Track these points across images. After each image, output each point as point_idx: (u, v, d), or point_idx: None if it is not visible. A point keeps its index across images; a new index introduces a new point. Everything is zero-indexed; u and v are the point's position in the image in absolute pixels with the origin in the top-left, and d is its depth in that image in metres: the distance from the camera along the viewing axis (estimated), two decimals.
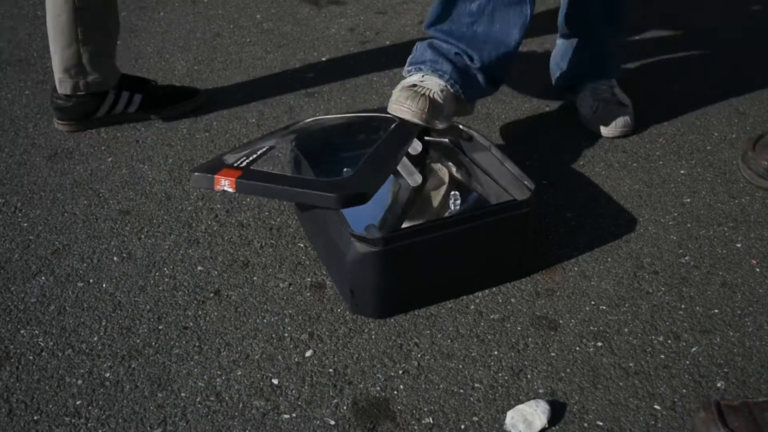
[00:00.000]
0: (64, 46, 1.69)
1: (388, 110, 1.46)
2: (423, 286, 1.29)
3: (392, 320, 1.27)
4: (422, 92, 1.44)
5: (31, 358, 1.20)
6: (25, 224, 1.49)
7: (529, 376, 1.17)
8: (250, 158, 1.27)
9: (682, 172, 1.66)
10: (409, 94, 1.43)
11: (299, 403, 1.13)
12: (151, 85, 1.83)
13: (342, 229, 1.24)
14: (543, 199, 1.55)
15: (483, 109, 1.88)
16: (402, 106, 1.43)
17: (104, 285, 1.35)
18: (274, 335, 1.25)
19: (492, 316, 1.28)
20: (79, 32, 1.68)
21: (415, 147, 1.46)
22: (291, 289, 1.34)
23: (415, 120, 1.42)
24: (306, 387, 1.16)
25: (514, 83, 1.97)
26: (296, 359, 1.20)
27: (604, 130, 1.76)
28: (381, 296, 1.26)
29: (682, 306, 1.31)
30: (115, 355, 1.21)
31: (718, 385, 1.16)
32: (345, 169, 1.36)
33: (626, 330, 1.26)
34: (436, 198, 1.42)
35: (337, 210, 1.23)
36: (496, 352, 1.22)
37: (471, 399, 1.14)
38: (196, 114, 1.85)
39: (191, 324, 1.27)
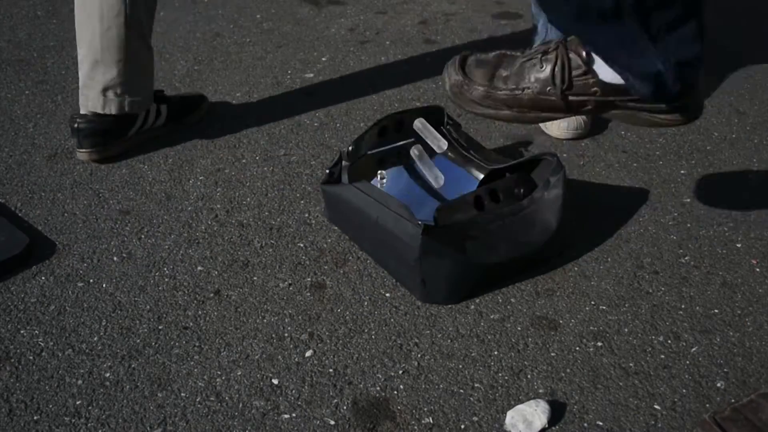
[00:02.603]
0: (112, 62, 1.59)
1: None
2: (492, 264, 1.31)
3: (392, 320, 1.27)
4: None
5: (31, 358, 1.20)
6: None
7: (529, 376, 1.17)
8: None
9: (682, 172, 1.66)
10: None
11: (299, 403, 1.13)
12: (167, 94, 1.76)
13: (403, 221, 1.26)
14: None
15: None
16: None
17: (104, 285, 1.35)
18: (274, 335, 1.25)
19: (492, 316, 1.28)
20: (128, 48, 1.59)
21: (440, 145, 1.47)
22: (291, 289, 1.34)
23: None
24: (306, 387, 1.16)
25: None
26: (296, 359, 1.20)
27: (555, 131, 1.74)
28: (453, 281, 1.29)
29: (682, 306, 1.31)
30: (115, 355, 1.21)
31: (718, 385, 1.16)
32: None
33: (626, 330, 1.26)
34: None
35: (397, 204, 1.29)
36: (496, 352, 1.22)
37: (471, 399, 1.14)
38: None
39: (191, 324, 1.27)
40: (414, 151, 1.46)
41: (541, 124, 1.78)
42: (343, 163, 1.42)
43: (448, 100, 1.92)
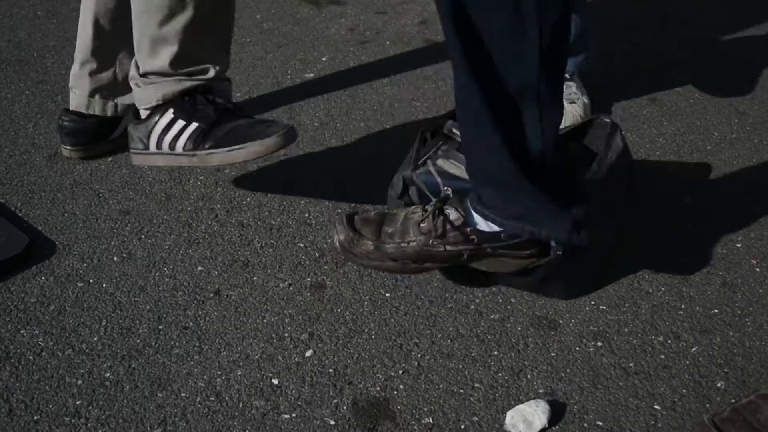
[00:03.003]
0: (101, 68, 1.60)
1: None
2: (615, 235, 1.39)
3: (392, 320, 1.27)
4: None
5: (31, 358, 1.20)
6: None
7: (529, 376, 1.17)
8: None
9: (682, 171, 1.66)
10: None
11: (299, 403, 1.13)
12: None
13: None
14: None
15: None
16: None
17: (104, 285, 1.35)
18: (274, 335, 1.25)
19: (492, 316, 1.28)
20: (118, 56, 1.60)
21: None
22: (291, 289, 1.34)
23: None
24: (306, 387, 1.16)
25: None
26: (296, 359, 1.20)
27: None
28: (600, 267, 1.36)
29: (682, 306, 1.31)
30: (115, 355, 1.21)
31: (718, 385, 1.16)
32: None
33: (626, 330, 1.26)
34: None
35: None
36: (496, 352, 1.22)
37: (471, 399, 1.14)
38: None
39: (191, 324, 1.27)
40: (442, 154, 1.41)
41: None
42: (411, 191, 1.39)
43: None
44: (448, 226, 1.21)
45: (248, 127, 1.42)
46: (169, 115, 1.45)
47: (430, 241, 1.22)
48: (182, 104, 1.44)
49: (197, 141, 1.42)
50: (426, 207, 1.25)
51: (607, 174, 1.34)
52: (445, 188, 1.29)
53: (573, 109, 1.74)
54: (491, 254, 1.23)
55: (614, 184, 1.37)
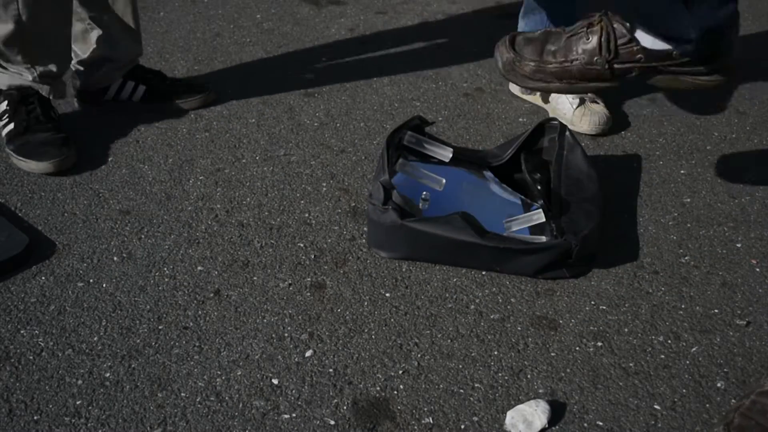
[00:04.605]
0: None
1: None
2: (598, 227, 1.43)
3: (392, 320, 1.27)
4: None
5: (31, 358, 1.20)
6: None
7: (529, 376, 1.17)
8: None
9: (682, 172, 1.66)
10: None
11: (299, 403, 1.13)
12: (161, 78, 1.89)
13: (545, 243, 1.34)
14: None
15: (483, 108, 1.88)
16: None
17: (104, 285, 1.35)
18: (274, 335, 1.25)
19: (492, 316, 1.28)
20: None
21: (446, 154, 1.47)
22: (291, 289, 1.34)
23: None
24: (306, 387, 1.16)
25: None
26: (296, 359, 1.20)
27: (583, 128, 1.76)
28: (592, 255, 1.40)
29: (682, 306, 1.31)
30: (115, 355, 1.21)
31: (718, 385, 1.16)
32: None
33: (626, 330, 1.26)
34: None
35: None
36: (496, 352, 1.22)
37: (471, 399, 1.14)
38: (196, 113, 1.85)
39: (191, 324, 1.27)
40: (406, 168, 1.43)
41: (569, 124, 1.77)
42: (394, 195, 1.38)
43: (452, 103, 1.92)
44: (612, 45, 1.18)
45: (38, 145, 1.63)
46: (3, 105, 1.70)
47: (595, 59, 1.19)
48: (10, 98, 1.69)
49: (10, 138, 1.66)
50: (590, 23, 1.22)
51: (569, 172, 1.43)
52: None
53: (598, 108, 1.75)
54: (662, 72, 1.20)
55: (579, 178, 1.44)
